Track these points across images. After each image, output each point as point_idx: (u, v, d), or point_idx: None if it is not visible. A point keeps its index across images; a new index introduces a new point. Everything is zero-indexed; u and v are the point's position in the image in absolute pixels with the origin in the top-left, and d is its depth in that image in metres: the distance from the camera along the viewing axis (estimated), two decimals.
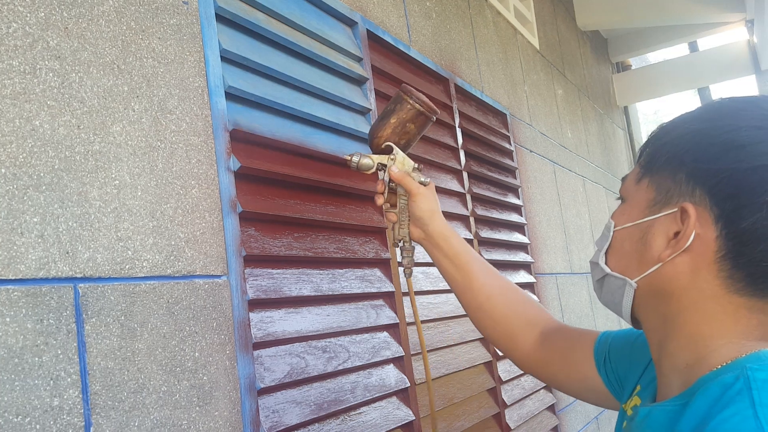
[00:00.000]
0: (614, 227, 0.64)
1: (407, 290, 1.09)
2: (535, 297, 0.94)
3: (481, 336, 1.57)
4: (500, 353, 1.65)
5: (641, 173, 0.62)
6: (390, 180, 0.98)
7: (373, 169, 0.97)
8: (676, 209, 0.56)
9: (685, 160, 0.56)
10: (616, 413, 0.76)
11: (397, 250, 1.20)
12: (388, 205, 1.00)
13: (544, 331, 0.91)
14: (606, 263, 0.64)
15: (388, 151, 0.98)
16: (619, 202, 0.66)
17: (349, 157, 0.97)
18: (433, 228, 0.97)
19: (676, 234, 0.56)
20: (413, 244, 1.01)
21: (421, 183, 0.97)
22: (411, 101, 0.96)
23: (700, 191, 0.55)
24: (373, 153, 0.99)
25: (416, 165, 0.99)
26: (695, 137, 0.56)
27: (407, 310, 1.28)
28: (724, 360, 0.54)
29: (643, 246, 0.59)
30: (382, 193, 0.99)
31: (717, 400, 0.50)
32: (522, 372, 1.78)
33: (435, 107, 0.98)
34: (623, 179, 0.66)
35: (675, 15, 3.55)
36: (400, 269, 1.19)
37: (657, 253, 0.58)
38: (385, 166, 0.98)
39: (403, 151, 0.98)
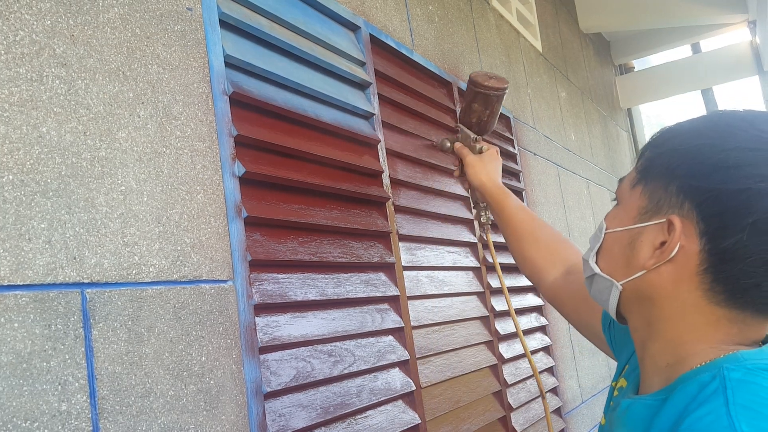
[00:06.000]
0: (605, 230, 0.65)
1: (488, 244, 1.24)
2: (574, 245, 1.01)
3: (486, 339, 1.58)
4: (505, 358, 1.65)
5: (636, 179, 0.63)
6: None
7: (451, 148, 1.18)
8: (664, 220, 0.58)
9: (677, 174, 0.58)
10: None
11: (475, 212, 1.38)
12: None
13: (568, 271, 0.96)
14: (596, 262, 0.66)
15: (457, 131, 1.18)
16: (615, 202, 0.68)
17: (433, 142, 1.20)
18: (478, 185, 1.11)
19: (662, 244, 0.58)
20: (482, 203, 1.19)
21: (479, 151, 1.13)
22: (469, 84, 1.11)
23: (688, 205, 0.56)
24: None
25: (474, 136, 1.14)
26: (689, 152, 0.58)
27: (413, 310, 1.28)
28: (703, 360, 0.56)
29: (630, 251, 0.61)
30: (457, 167, 1.17)
31: (694, 397, 0.53)
32: (527, 375, 1.78)
33: (491, 84, 1.09)
34: (620, 180, 0.67)
35: (677, 17, 3.55)
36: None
37: (642, 261, 0.59)
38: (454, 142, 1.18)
39: (479, 127, 1.15)
